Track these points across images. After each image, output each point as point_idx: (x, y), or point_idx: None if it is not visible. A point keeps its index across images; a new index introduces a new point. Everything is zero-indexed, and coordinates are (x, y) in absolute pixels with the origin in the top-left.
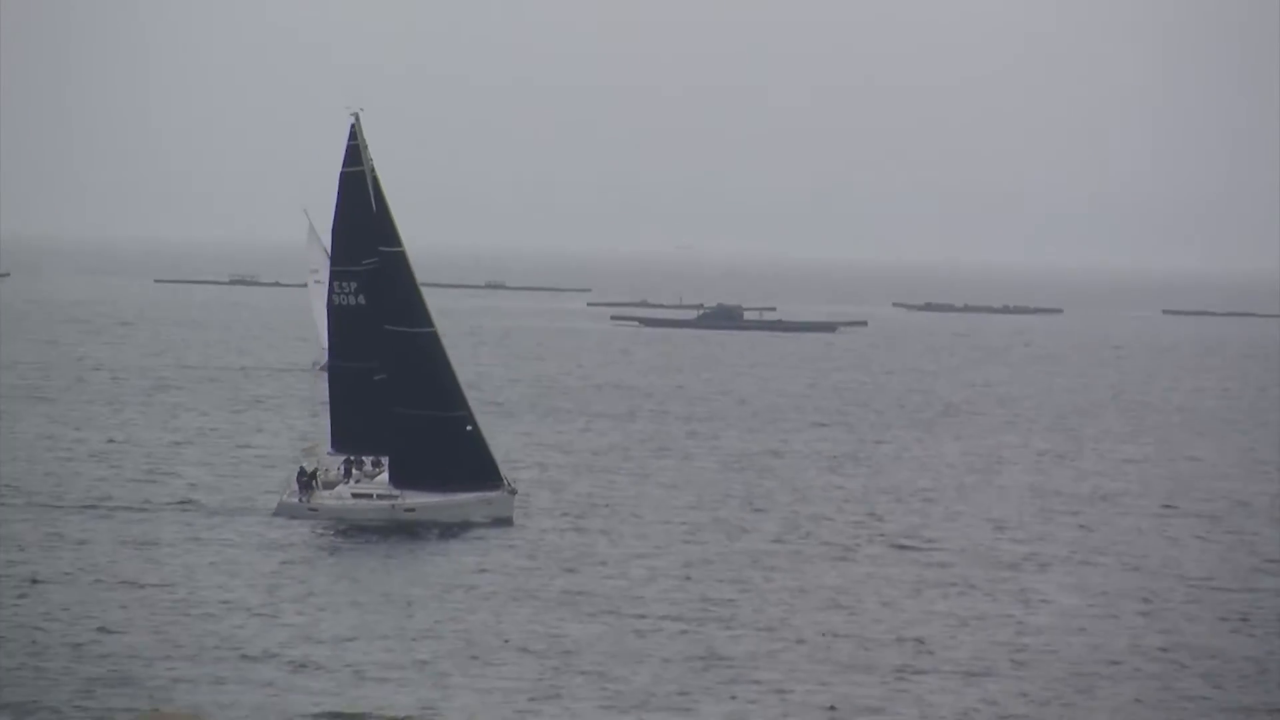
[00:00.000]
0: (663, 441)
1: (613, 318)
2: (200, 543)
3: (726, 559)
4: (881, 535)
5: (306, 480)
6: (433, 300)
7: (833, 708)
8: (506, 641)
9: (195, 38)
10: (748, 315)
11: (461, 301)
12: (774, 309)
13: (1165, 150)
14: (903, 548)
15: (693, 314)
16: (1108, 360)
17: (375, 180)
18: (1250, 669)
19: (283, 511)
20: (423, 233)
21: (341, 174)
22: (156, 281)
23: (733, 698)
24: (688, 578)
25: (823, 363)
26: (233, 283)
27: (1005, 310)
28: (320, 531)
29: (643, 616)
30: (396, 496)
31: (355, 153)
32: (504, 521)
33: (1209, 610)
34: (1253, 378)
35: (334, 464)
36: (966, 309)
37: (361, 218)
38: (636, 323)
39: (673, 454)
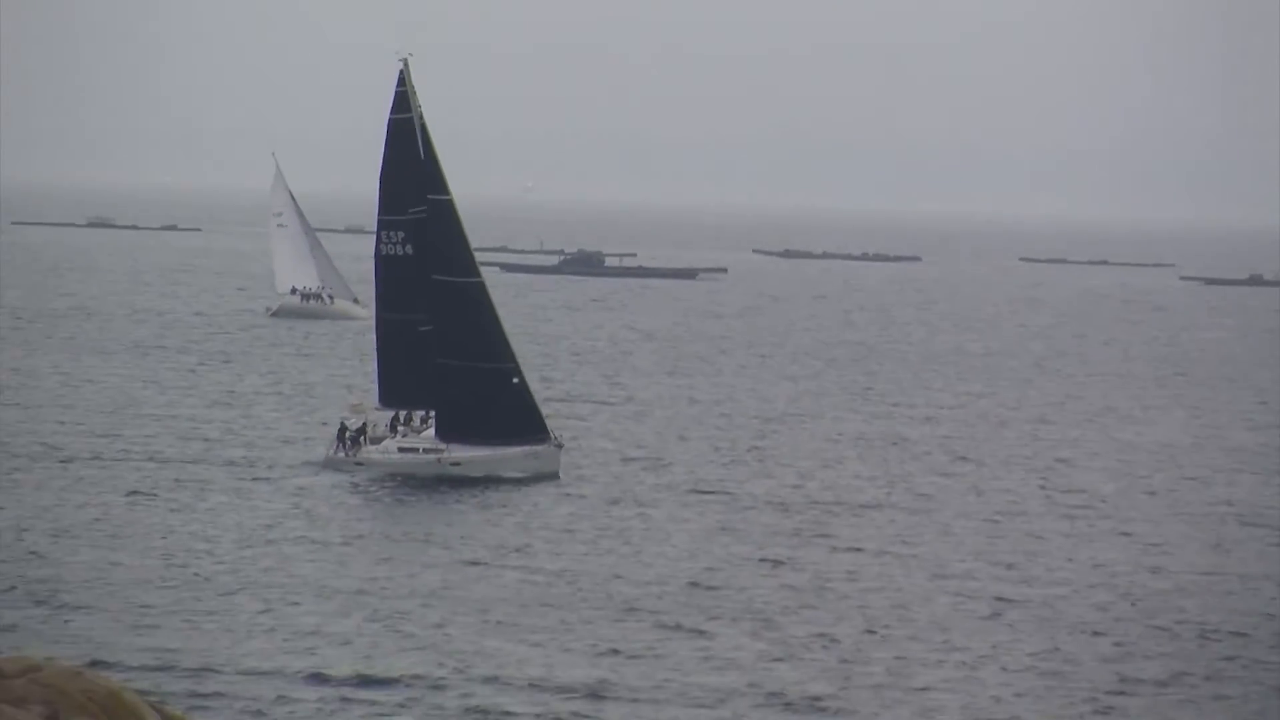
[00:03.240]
0: (700, 392)
1: None
2: (242, 497)
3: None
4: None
5: (354, 435)
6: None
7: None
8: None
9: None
10: (609, 261)
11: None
12: (634, 255)
13: (1160, 102)
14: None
15: (554, 260)
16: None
17: (424, 127)
18: None
19: (329, 466)
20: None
21: (390, 120)
22: (13, 223)
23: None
24: (731, 542)
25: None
26: (90, 225)
27: (865, 258)
28: (364, 486)
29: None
30: (442, 450)
31: (404, 99)
32: (550, 476)
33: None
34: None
35: (383, 419)
36: (825, 255)
37: (409, 165)
38: (498, 268)
39: (713, 407)
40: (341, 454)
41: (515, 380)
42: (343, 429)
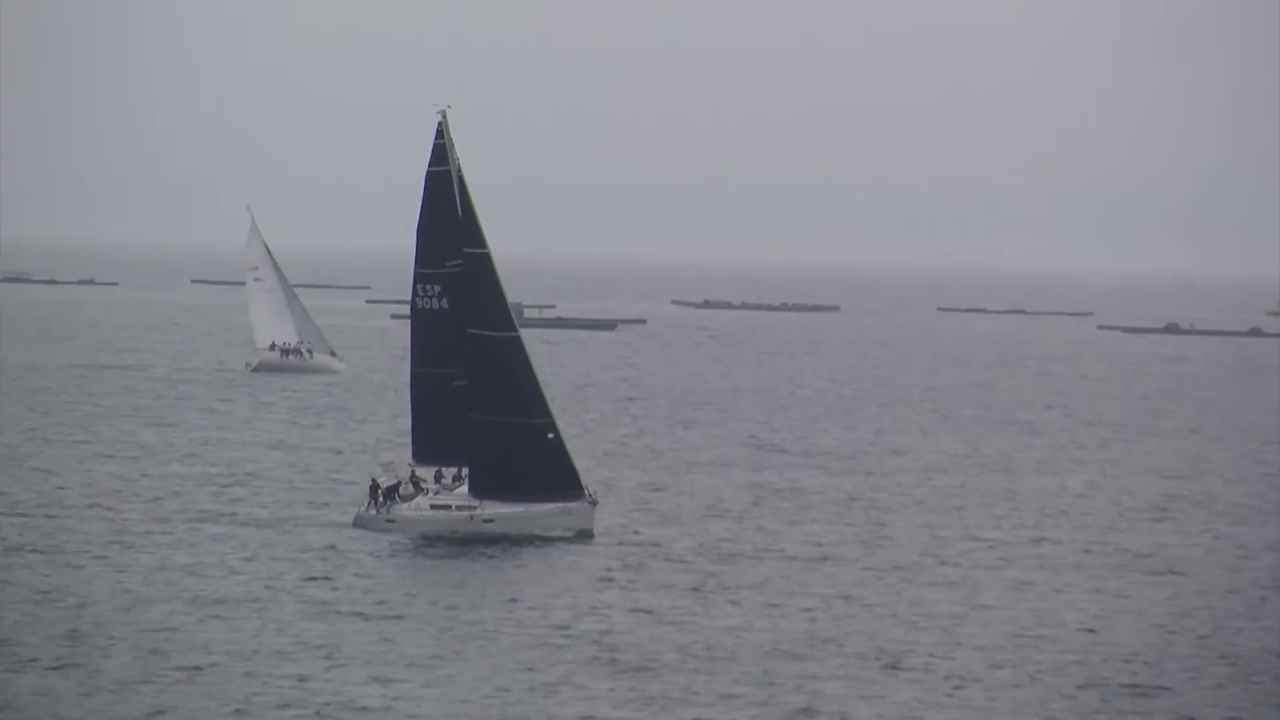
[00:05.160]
0: (725, 445)
1: (392, 316)
2: (268, 557)
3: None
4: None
5: (387, 491)
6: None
7: None
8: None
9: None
10: (528, 313)
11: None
12: (554, 306)
13: (1152, 146)
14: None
15: None
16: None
17: (461, 179)
18: None
19: (360, 524)
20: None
21: (427, 173)
22: None
23: None
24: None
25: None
26: (6, 280)
27: (784, 308)
28: (393, 545)
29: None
30: (475, 507)
31: (441, 151)
32: (585, 534)
33: None
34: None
35: (421, 476)
36: (744, 306)
37: (447, 218)
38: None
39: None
40: (373, 511)
41: (550, 435)
42: (374, 486)
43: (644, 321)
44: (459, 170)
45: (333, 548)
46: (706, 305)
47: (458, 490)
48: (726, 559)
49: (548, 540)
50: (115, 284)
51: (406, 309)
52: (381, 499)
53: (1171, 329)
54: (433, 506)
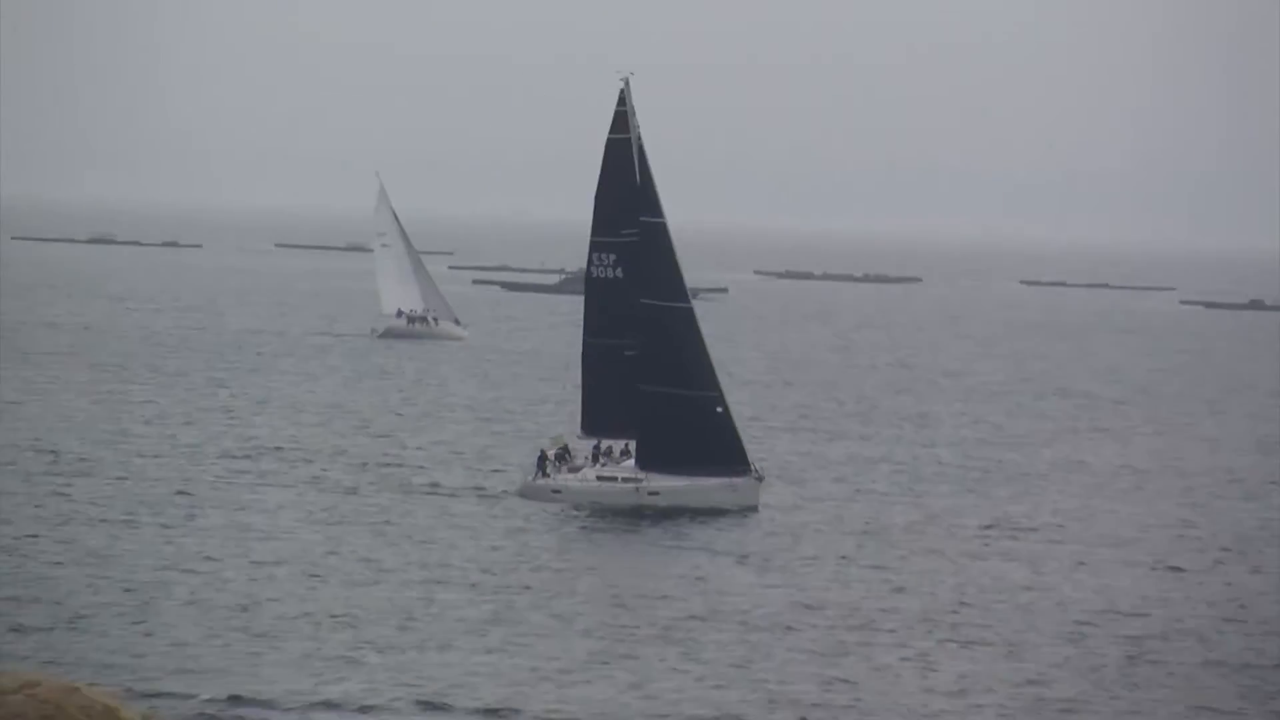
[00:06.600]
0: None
1: (474, 281)
2: (436, 524)
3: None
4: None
5: (557, 458)
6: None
7: None
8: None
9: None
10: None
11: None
12: None
13: (1158, 123)
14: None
15: (555, 278)
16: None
17: (641, 148)
18: None
19: (526, 493)
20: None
21: (607, 140)
22: (14, 239)
23: None
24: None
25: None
26: (91, 241)
27: (865, 279)
28: (557, 516)
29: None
30: (641, 479)
31: (622, 119)
32: (749, 509)
33: None
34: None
35: (584, 449)
36: (825, 277)
37: (625, 187)
38: (499, 286)
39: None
40: (540, 481)
41: (719, 409)
42: (542, 457)
43: (726, 290)
44: (639, 138)
45: (493, 516)
46: (788, 275)
47: (624, 463)
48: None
49: (711, 514)
50: (199, 246)
51: (493, 275)
52: (549, 469)
53: (1256, 304)
54: (599, 478)
